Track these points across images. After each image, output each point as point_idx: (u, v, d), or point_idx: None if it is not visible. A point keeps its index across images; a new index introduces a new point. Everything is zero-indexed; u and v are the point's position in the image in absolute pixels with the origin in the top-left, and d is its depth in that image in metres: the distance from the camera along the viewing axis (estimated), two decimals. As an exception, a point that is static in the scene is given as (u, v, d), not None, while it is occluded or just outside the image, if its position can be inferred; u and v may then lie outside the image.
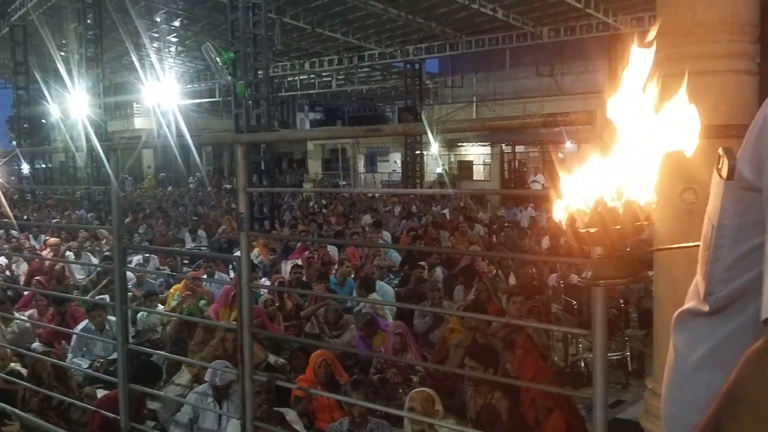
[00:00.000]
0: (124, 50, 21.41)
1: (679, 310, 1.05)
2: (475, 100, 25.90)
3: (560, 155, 20.76)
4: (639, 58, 0.90)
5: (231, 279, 8.21)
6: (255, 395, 3.24)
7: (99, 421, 4.46)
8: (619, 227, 0.91)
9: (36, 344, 6.73)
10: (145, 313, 7.28)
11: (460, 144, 27.18)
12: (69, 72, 17.99)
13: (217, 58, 14.44)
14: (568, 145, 19.33)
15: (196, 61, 27.19)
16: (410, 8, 19.07)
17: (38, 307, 7.28)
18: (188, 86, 29.26)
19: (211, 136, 26.08)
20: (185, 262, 10.82)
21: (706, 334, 0.98)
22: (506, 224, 13.15)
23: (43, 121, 26.76)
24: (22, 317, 7.00)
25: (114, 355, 5.17)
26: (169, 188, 29.87)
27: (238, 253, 3.14)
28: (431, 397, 4.28)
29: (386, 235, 12.36)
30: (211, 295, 7.80)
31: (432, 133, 2.55)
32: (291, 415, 4.88)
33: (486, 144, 26.25)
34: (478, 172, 27.38)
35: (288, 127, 34.53)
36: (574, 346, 6.51)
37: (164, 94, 21.95)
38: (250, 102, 14.02)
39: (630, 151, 0.91)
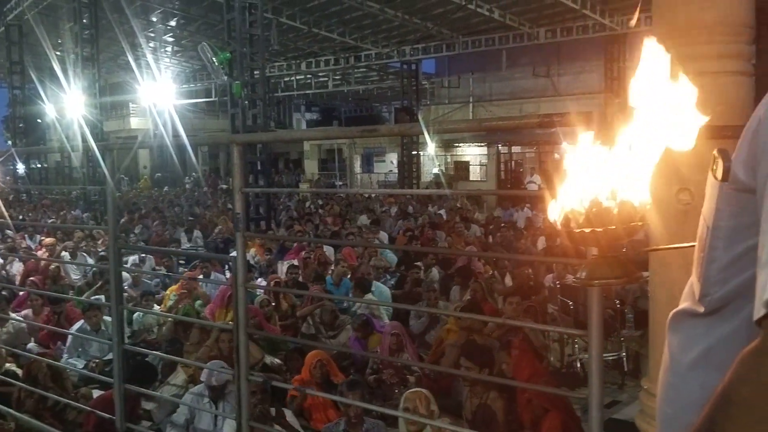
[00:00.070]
0: (120, 50, 21.35)
1: (674, 310, 1.05)
2: (471, 100, 25.91)
3: (556, 156, 20.80)
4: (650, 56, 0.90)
5: (227, 279, 8.20)
6: (251, 395, 3.24)
7: (94, 421, 4.45)
8: (613, 228, 0.91)
9: (31, 344, 6.72)
10: (141, 314, 7.27)
11: (457, 144, 27.19)
12: (65, 71, 17.96)
13: (214, 58, 14.41)
14: (565, 145, 19.31)
15: (192, 61, 27.16)
16: (407, 8, 19.07)
17: (33, 307, 7.26)
18: (184, 86, 29.24)
19: (207, 136, 26.06)
20: (181, 262, 10.81)
21: (701, 335, 0.98)
22: (502, 225, 13.16)
23: (39, 120, 26.71)
24: (18, 317, 6.98)
25: (109, 356, 5.16)
26: (165, 188, 29.82)
27: (234, 254, 3.14)
28: (426, 397, 4.28)
29: (383, 236, 12.36)
30: (207, 297, 7.78)
31: (428, 134, 2.55)
32: (288, 414, 4.88)
33: (482, 144, 26.26)
34: (475, 173, 27.39)
35: (284, 127, 34.49)
36: (570, 347, 6.52)
37: (160, 94, 21.94)
38: (247, 102, 14.00)
39: (626, 150, 0.91)
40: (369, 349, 6.21)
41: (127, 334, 6.49)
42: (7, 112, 23.28)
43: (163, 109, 21.31)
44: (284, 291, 7.68)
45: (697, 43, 2.69)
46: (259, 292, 7.35)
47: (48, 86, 21.65)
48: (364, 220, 14.57)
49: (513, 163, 27.13)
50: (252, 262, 9.77)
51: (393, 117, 34.87)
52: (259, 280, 8.91)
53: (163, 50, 25.76)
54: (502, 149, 26.43)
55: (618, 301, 6.56)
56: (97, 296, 7.42)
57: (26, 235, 12.22)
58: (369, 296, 7.41)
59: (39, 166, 28.19)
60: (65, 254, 10.11)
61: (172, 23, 22.45)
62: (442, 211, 16.28)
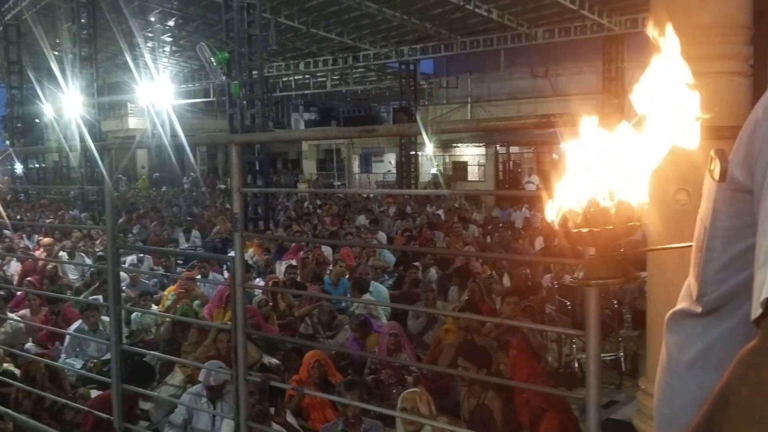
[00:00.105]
0: (118, 50, 21.34)
1: (672, 310, 1.06)
2: (469, 100, 25.93)
3: (554, 156, 20.81)
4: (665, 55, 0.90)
5: (225, 279, 8.20)
6: (249, 395, 3.24)
7: (92, 421, 4.44)
8: (611, 228, 0.91)
9: (29, 344, 6.71)
10: (139, 314, 7.27)
11: (455, 145, 27.21)
12: (63, 71, 17.95)
13: (212, 58, 14.42)
14: (563, 146, 19.33)
15: (190, 61, 27.14)
16: (405, 9, 19.08)
17: (31, 307, 7.26)
18: (182, 86, 29.21)
19: (205, 136, 26.05)
20: (179, 262, 10.80)
21: (699, 335, 0.98)
22: (500, 225, 13.16)
23: (37, 120, 26.67)
24: (15, 317, 6.97)
25: (107, 356, 5.15)
26: (164, 188, 29.80)
27: (232, 254, 3.14)
28: (423, 396, 4.28)
29: (381, 236, 12.37)
30: (205, 297, 7.78)
31: (426, 134, 2.56)
32: (287, 414, 4.88)
33: (481, 145, 26.28)
34: (473, 173, 27.42)
35: (282, 127, 34.47)
36: (568, 347, 6.53)
37: (158, 94, 21.92)
38: (245, 102, 14.00)
39: (623, 151, 0.91)
40: (367, 349, 6.21)
41: (125, 334, 6.48)
42: (5, 112, 23.26)
43: (162, 109, 21.30)
44: (282, 291, 7.67)
45: (694, 43, 2.69)
46: (258, 292, 7.35)
47: (46, 86, 21.61)
48: (362, 220, 14.57)
49: (511, 163, 27.16)
50: (250, 262, 9.76)
51: (391, 117, 34.90)
52: (257, 280, 8.90)
53: (161, 50, 25.75)
54: (501, 149, 26.46)
55: (616, 302, 6.56)
56: (95, 296, 7.42)
57: (24, 235, 12.21)
58: (367, 296, 7.41)
59: (37, 165, 28.20)
60: (63, 254, 10.10)
61: (171, 23, 22.45)
62: (441, 212, 16.28)
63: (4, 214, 9.10)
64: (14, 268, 9.67)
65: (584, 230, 0.91)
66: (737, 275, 0.91)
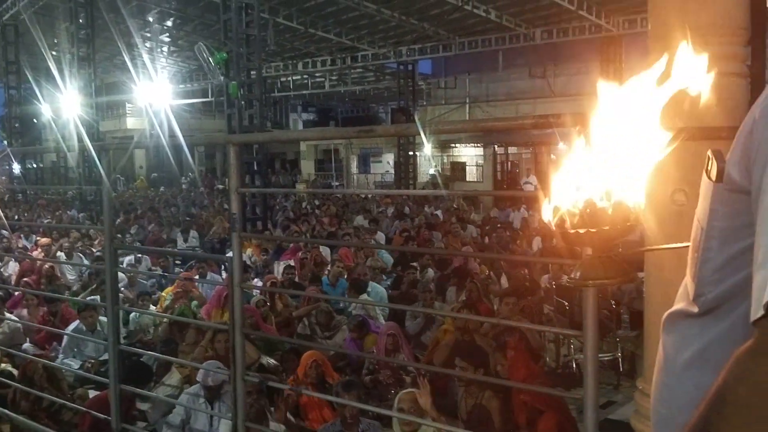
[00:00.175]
0: (116, 50, 21.32)
1: (669, 311, 1.06)
2: (467, 101, 25.94)
3: (552, 157, 20.83)
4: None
5: (223, 280, 8.19)
6: (246, 396, 3.24)
7: (90, 422, 4.44)
8: (607, 228, 0.91)
9: (27, 345, 6.70)
10: (138, 314, 7.26)
11: (453, 145, 27.23)
12: (61, 71, 17.93)
13: (210, 58, 14.42)
14: (561, 146, 19.36)
15: (188, 61, 27.13)
16: (403, 9, 19.08)
17: (29, 307, 7.25)
18: (181, 86, 29.20)
19: (203, 136, 26.03)
20: (177, 262, 10.79)
21: (696, 335, 0.98)
22: (498, 225, 13.17)
23: (35, 120, 26.63)
24: (13, 317, 6.96)
25: (105, 356, 5.15)
26: (162, 188, 29.78)
27: (230, 254, 3.14)
28: (424, 394, 4.28)
29: (380, 236, 12.37)
30: (202, 298, 7.77)
31: (425, 134, 2.56)
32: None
33: (479, 145, 26.29)
34: (471, 173, 27.43)
35: (281, 127, 34.50)
36: (566, 347, 6.53)
37: (156, 94, 21.91)
38: (243, 102, 14.00)
39: (621, 151, 0.91)
40: (365, 350, 6.21)
41: (123, 334, 6.47)
42: (3, 112, 23.23)
43: (160, 109, 21.27)
44: (280, 291, 7.67)
45: (692, 44, 2.69)
46: (256, 292, 7.35)
47: (44, 86, 21.61)
48: (360, 220, 14.58)
49: (509, 163, 27.18)
50: (248, 262, 9.76)
51: (390, 117, 34.90)
52: (255, 280, 8.90)
53: (159, 50, 25.74)
54: (499, 150, 26.47)
55: (614, 302, 6.56)
56: (93, 297, 7.41)
57: (22, 235, 12.20)
58: (364, 297, 7.42)
59: (35, 166, 28.17)
60: (61, 254, 10.09)
61: (169, 23, 22.44)
62: (439, 212, 16.29)
63: (1, 214, 9.10)
64: (12, 268, 9.66)
65: (581, 230, 0.91)
66: (734, 275, 0.91)
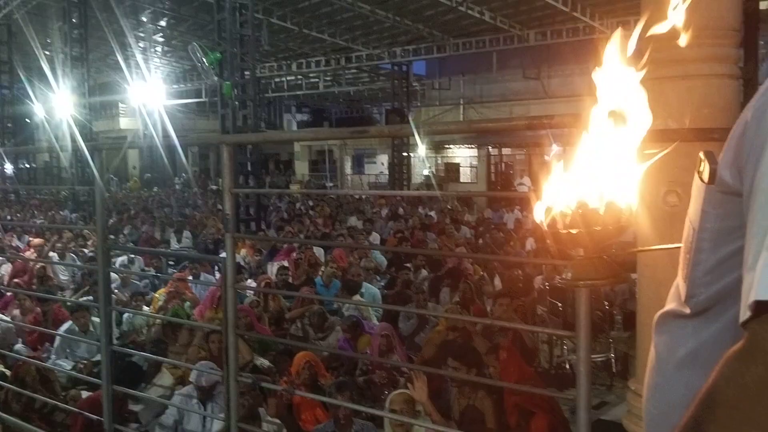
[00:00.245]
0: (110, 49, 21.23)
1: (661, 311, 1.06)
2: (462, 102, 25.97)
3: (546, 158, 20.84)
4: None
5: (216, 280, 8.17)
6: (239, 396, 3.23)
7: (82, 423, 4.42)
8: (599, 229, 0.91)
9: (19, 345, 6.67)
10: (131, 315, 7.24)
11: (447, 146, 27.26)
12: (54, 71, 17.86)
13: (204, 59, 14.38)
14: (555, 147, 19.40)
15: (182, 61, 27.06)
16: (398, 10, 19.07)
17: (22, 307, 7.21)
18: (174, 86, 29.12)
19: (197, 136, 25.98)
20: (170, 263, 10.76)
21: (688, 336, 0.99)
22: (492, 226, 13.18)
23: (28, 120, 26.52)
24: (5, 318, 6.93)
25: (98, 357, 5.13)
26: (155, 189, 29.69)
27: (223, 255, 3.13)
28: (412, 398, 4.28)
29: (375, 236, 12.37)
30: (196, 300, 7.75)
31: (419, 135, 2.56)
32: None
33: (473, 146, 26.33)
34: (465, 175, 27.47)
35: (275, 128, 34.44)
36: (559, 348, 6.54)
37: (150, 94, 21.84)
38: (237, 103, 13.97)
39: (611, 153, 0.92)
40: (359, 351, 6.21)
41: (116, 335, 6.45)
42: (-4, 111, 23.13)
43: (153, 110, 21.22)
44: (273, 292, 7.65)
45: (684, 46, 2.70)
46: (249, 293, 7.33)
47: (37, 86, 21.49)
48: (354, 221, 14.57)
49: (503, 165, 27.22)
50: (242, 263, 9.74)
51: (384, 118, 34.91)
52: (249, 281, 8.89)
53: (153, 50, 25.64)
54: (493, 151, 26.52)
55: (607, 303, 6.58)
56: (86, 297, 7.38)
57: (15, 236, 12.14)
58: (357, 298, 7.41)
59: (27, 166, 28.03)
60: (53, 255, 10.05)
61: (162, 23, 22.37)
62: (433, 213, 16.30)
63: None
64: (4, 268, 9.61)
65: (573, 231, 0.92)
66: (726, 277, 0.91)
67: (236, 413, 3.04)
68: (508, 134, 21.61)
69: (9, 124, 22.09)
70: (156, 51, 26.23)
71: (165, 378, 5.48)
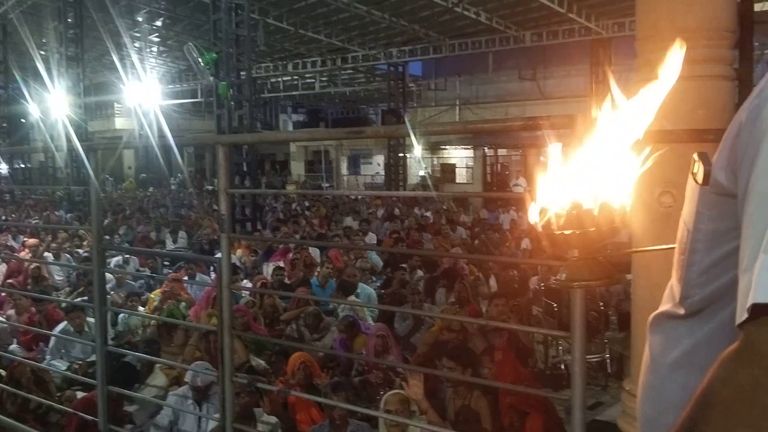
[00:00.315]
0: (105, 49, 21.20)
1: (655, 312, 1.06)
2: (458, 103, 26.00)
3: (542, 159, 20.86)
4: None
5: (212, 281, 8.15)
6: (235, 397, 3.22)
7: (77, 423, 4.41)
8: (593, 230, 0.91)
9: (14, 346, 6.65)
10: (126, 315, 7.22)
11: (443, 147, 27.27)
12: (49, 71, 17.81)
13: (200, 59, 14.37)
14: (551, 148, 19.40)
15: (178, 62, 27.02)
16: (394, 11, 19.08)
17: (17, 307, 7.19)
18: (170, 86, 29.08)
19: (192, 137, 25.95)
20: (166, 263, 10.74)
21: (682, 337, 0.99)
22: (488, 227, 13.19)
23: (23, 120, 26.47)
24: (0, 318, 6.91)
25: (93, 357, 5.12)
26: (150, 189, 29.64)
27: (219, 255, 3.13)
28: (407, 398, 4.28)
29: (371, 237, 12.36)
30: (191, 300, 7.73)
31: (415, 136, 2.56)
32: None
33: (469, 147, 26.35)
34: (461, 175, 27.50)
35: (270, 128, 34.40)
36: (554, 349, 6.55)
37: (145, 95, 21.81)
38: (233, 103, 13.96)
39: (606, 152, 0.92)
40: (354, 351, 6.20)
41: (111, 335, 6.43)
42: (-9, 111, 23.08)
43: (149, 110, 21.18)
44: (269, 293, 7.64)
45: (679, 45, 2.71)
46: (245, 293, 7.32)
47: (32, 86, 21.43)
48: (350, 221, 14.57)
49: (499, 165, 27.26)
50: (238, 263, 9.73)
51: (380, 119, 34.91)
52: (245, 281, 8.87)
53: (148, 50, 25.60)
54: (488, 152, 26.55)
55: (602, 304, 6.59)
56: (81, 298, 7.36)
57: (9, 236, 12.11)
58: (353, 298, 7.41)
59: (22, 166, 27.95)
60: (48, 255, 10.02)
61: (158, 23, 22.33)
62: (429, 213, 16.31)
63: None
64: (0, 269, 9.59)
65: (567, 232, 0.92)
66: (720, 278, 0.91)
67: (231, 414, 3.04)
68: (503, 135, 21.64)
69: (4, 124, 22.04)
70: (151, 51, 26.20)
71: (158, 378, 5.46)
